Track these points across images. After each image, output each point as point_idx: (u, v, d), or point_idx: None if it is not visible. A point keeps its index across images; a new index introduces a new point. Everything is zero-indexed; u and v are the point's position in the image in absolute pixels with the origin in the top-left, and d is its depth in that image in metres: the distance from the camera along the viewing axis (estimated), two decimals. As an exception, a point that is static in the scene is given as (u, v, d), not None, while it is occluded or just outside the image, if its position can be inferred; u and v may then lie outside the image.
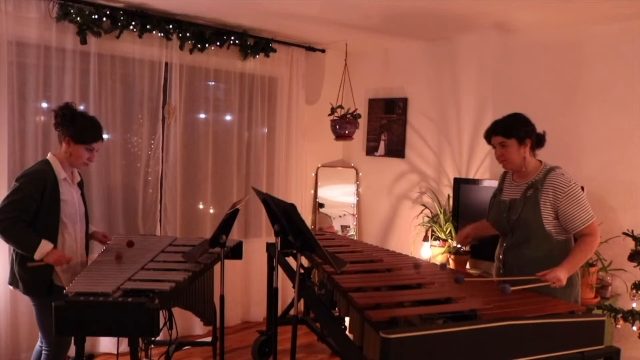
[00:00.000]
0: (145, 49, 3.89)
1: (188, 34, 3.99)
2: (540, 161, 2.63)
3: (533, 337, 1.91)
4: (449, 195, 4.27)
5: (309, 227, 2.53)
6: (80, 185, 2.93)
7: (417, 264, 2.77)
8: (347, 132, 4.58)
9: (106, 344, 3.86)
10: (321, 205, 5.08)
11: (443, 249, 4.15)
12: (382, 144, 4.91)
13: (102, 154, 3.81)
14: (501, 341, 1.86)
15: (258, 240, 4.60)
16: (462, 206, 4.03)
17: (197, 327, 4.31)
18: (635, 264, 2.90)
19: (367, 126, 5.03)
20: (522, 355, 1.90)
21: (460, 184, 4.06)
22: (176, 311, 2.97)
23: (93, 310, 2.20)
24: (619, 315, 2.90)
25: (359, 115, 4.61)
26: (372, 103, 4.99)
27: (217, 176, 4.42)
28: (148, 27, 3.78)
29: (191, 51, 4.07)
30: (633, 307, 2.95)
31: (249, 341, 4.01)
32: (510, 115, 2.61)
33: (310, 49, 4.83)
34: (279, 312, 4.07)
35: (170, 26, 3.90)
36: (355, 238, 4.94)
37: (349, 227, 5.08)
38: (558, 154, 3.70)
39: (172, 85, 4.06)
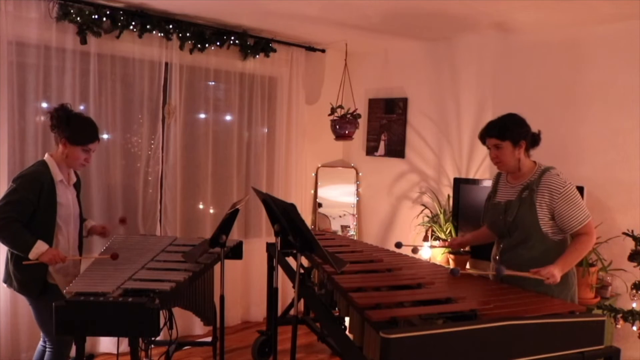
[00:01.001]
0: (145, 49, 3.89)
1: (188, 34, 3.99)
2: (535, 162, 2.62)
3: (533, 337, 1.91)
4: (449, 195, 4.27)
5: (309, 227, 2.53)
6: (77, 186, 2.93)
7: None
8: (347, 132, 4.58)
9: (106, 344, 3.86)
10: (319, 205, 5.08)
11: (443, 249, 4.15)
12: (382, 144, 4.91)
13: (102, 154, 3.82)
14: (501, 341, 1.86)
15: (258, 240, 4.60)
16: (462, 206, 4.04)
17: (197, 327, 4.31)
18: (635, 264, 2.90)
19: (367, 126, 5.03)
20: (522, 355, 1.90)
21: (460, 184, 4.06)
22: (176, 311, 2.97)
23: (93, 310, 2.20)
24: (619, 315, 2.90)
25: (359, 115, 4.61)
26: (372, 103, 4.99)
27: (217, 176, 4.42)
28: (148, 27, 3.79)
29: (191, 51, 4.07)
30: (633, 307, 2.95)
31: (249, 341, 4.01)
32: (504, 116, 2.59)
33: (310, 49, 4.83)
34: (279, 312, 4.07)
35: (170, 26, 3.90)
36: (355, 238, 4.94)
37: (349, 227, 5.08)
38: (558, 154, 3.70)
39: (172, 85, 4.06)
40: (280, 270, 3.26)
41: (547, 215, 2.49)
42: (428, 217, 4.37)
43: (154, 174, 4.07)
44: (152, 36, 3.87)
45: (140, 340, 2.89)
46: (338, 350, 3.54)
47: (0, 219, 2.52)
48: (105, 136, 3.84)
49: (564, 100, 3.69)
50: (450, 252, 4.08)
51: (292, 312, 3.56)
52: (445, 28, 4.00)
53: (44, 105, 3.54)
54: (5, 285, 2.75)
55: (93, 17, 3.55)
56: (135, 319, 2.21)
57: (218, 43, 4.17)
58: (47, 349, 2.72)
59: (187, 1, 3.55)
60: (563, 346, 1.97)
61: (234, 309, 4.54)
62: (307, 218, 5.08)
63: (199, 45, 4.08)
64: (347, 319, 2.34)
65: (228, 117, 4.51)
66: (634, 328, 2.89)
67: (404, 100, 4.70)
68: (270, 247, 3.76)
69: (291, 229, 2.44)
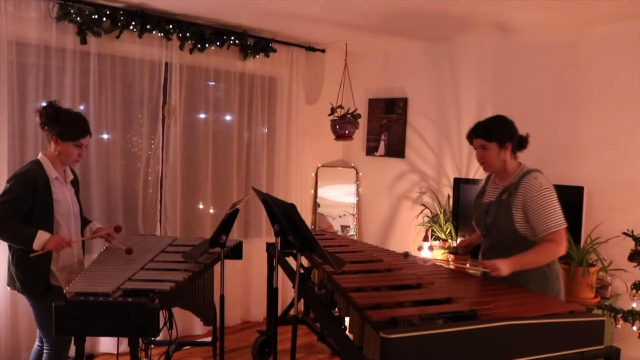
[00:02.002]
0: (145, 49, 3.89)
1: (188, 34, 3.99)
2: (520, 164, 2.63)
3: (533, 337, 1.91)
4: (449, 195, 4.27)
5: (309, 227, 2.53)
6: (75, 184, 2.92)
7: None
8: (347, 132, 4.58)
9: (106, 344, 3.86)
10: (317, 205, 5.08)
11: (443, 250, 4.15)
12: (382, 144, 4.91)
13: (102, 154, 3.82)
14: (501, 341, 1.86)
15: (258, 240, 4.60)
16: (462, 206, 4.04)
17: (197, 327, 4.31)
18: (635, 264, 2.90)
19: (367, 126, 5.03)
20: (522, 355, 1.89)
21: (460, 184, 4.06)
22: (176, 311, 2.97)
23: (93, 310, 2.20)
24: (619, 315, 2.90)
25: (359, 115, 4.61)
26: (372, 103, 4.99)
27: (217, 176, 4.42)
28: (148, 27, 3.79)
29: (191, 51, 4.07)
30: (633, 307, 2.95)
31: (249, 341, 4.01)
32: (492, 118, 2.62)
33: (310, 49, 4.83)
34: (279, 312, 4.07)
35: (170, 26, 3.90)
36: (355, 238, 4.94)
37: (349, 227, 5.08)
38: (558, 154, 3.71)
39: (172, 85, 4.06)
40: (280, 270, 3.26)
41: (523, 218, 2.49)
42: (428, 217, 4.37)
43: (154, 174, 4.07)
44: (152, 36, 3.87)
45: (140, 340, 2.89)
46: (338, 350, 3.54)
47: None
48: (105, 136, 3.84)
49: (564, 100, 3.69)
50: (450, 252, 4.08)
51: (292, 312, 3.56)
52: (445, 28, 4.00)
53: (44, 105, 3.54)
54: (9, 288, 2.74)
55: (93, 17, 3.55)
56: (135, 319, 2.21)
57: (218, 43, 4.17)
58: (45, 350, 2.72)
59: (187, 1, 3.55)
60: (563, 346, 1.97)
61: (234, 309, 4.54)
62: (307, 218, 5.08)
63: (199, 45, 4.08)
64: (347, 319, 2.34)
65: (228, 117, 4.51)
66: (634, 328, 2.89)
67: (404, 100, 4.70)
68: (270, 247, 3.76)
69: (291, 229, 2.44)
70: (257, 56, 4.42)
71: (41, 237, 2.53)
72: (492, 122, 2.59)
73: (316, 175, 5.12)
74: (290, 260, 3.30)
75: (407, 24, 3.94)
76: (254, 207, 4.64)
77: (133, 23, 3.72)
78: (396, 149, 4.78)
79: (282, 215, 2.47)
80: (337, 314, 2.71)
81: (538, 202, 2.43)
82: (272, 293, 2.89)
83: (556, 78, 3.73)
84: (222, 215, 2.94)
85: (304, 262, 2.97)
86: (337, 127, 4.58)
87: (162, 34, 3.89)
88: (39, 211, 2.62)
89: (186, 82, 4.15)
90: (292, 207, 2.28)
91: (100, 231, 3.01)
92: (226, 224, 2.78)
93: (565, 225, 2.45)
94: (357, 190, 5.16)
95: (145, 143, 4.03)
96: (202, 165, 4.31)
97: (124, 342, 3.29)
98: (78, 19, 3.50)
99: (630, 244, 2.96)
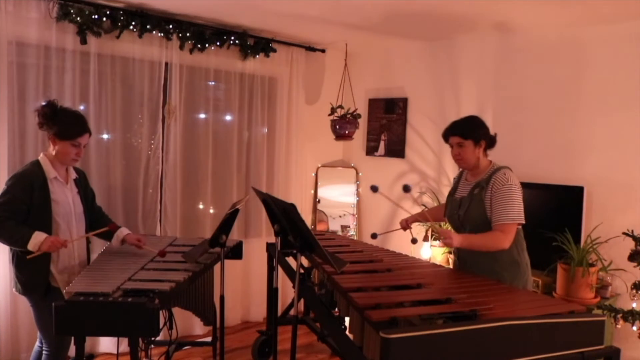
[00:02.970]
0: (145, 49, 3.89)
1: (188, 34, 3.99)
2: (490, 161, 2.78)
3: (533, 337, 1.91)
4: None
5: (309, 227, 2.53)
6: (79, 183, 2.88)
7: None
8: (347, 132, 4.58)
9: (106, 344, 3.86)
10: (317, 202, 5.09)
11: (443, 249, 4.15)
12: (382, 144, 4.91)
13: (102, 154, 3.82)
14: (501, 341, 1.86)
15: (258, 240, 4.60)
16: (462, 206, 4.03)
17: (197, 327, 4.31)
18: (635, 264, 2.90)
19: (367, 126, 5.03)
20: (522, 355, 1.89)
21: (460, 184, 4.06)
22: (176, 311, 2.97)
23: (93, 310, 2.20)
24: (619, 315, 2.90)
25: (359, 115, 4.61)
26: (372, 103, 4.99)
27: (217, 176, 4.42)
28: (148, 27, 3.79)
29: (191, 51, 4.07)
30: (633, 307, 2.95)
31: (249, 341, 4.01)
32: (467, 117, 2.80)
33: (310, 49, 4.83)
34: (279, 312, 4.08)
35: (170, 26, 3.90)
36: (355, 238, 4.94)
37: (349, 227, 5.08)
38: (558, 153, 3.71)
39: (172, 85, 4.06)
40: (280, 270, 3.26)
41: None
42: (428, 217, 4.37)
43: (154, 174, 4.07)
44: (152, 36, 3.87)
45: (140, 340, 2.89)
46: (338, 350, 3.54)
47: None
48: (105, 136, 3.85)
49: (563, 100, 3.69)
50: (450, 252, 4.08)
51: (292, 312, 3.56)
52: (445, 28, 4.00)
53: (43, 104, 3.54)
54: (14, 290, 2.74)
55: (93, 17, 3.55)
56: (135, 319, 2.21)
57: (218, 43, 4.17)
58: (44, 351, 2.71)
59: (187, 1, 3.55)
60: (563, 346, 1.97)
61: (234, 309, 4.54)
62: (307, 218, 5.08)
63: (199, 45, 4.08)
64: (347, 319, 2.34)
65: (228, 117, 4.51)
66: (634, 328, 2.89)
67: (404, 100, 4.70)
68: (270, 247, 3.76)
69: (291, 229, 2.44)
70: (257, 56, 4.42)
71: (37, 238, 2.51)
72: (468, 122, 2.76)
73: (316, 175, 5.12)
74: (290, 260, 3.30)
75: (407, 24, 3.94)
76: (254, 207, 4.64)
77: (133, 23, 3.72)
78: (396, 149, 4.78)
79: (282, 215, 2.47)
80: (337, 314, 2.71)
81: (501, 194, 2.58)
82: (272, 293, 2.89)
83: (556, 78, 3.73)
84: (222, 215, 2.93)
85: (304, 262, 2.97)
86: (337, 127, 4.58)
87: (162, 34, 3.89)
88: (36, 212, 2.60)
89: (186, 82, 4.15)
90: (292, 207, 2.28)
91: (129, 239, 2.93)
92: (226, 224, 2.78)
93: (518, 222, 2.58)
94: (357, 190, 5.16)
95: (145, 143, 4.03)
96: (202, 165, 4.31)
97: (124, 342, 3.29)
98: (78, 19, 3.50)
99: (630, 244, 2.96)
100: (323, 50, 4.96)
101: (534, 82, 3.84)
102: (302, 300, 4.04)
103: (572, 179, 3.58)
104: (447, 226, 3.14)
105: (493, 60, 4.06)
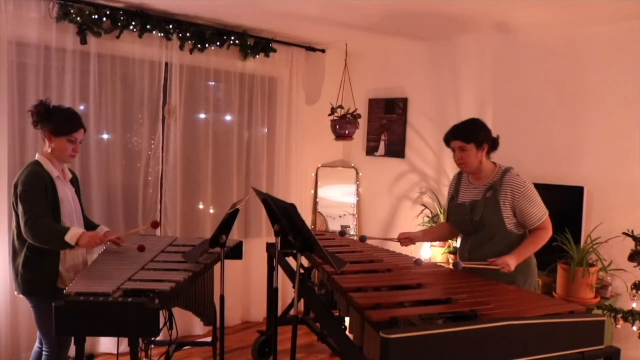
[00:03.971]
0: (145, 49, 3.89)
1: (188, 34, 3.99)
2: (495, 163, 2.78)
3: (533, 337, 1.91)
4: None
5: (309, 227, 2.53)
6: (74, 182, 2.90)
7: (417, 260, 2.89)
8: (347, 132, 4.58)
9: (106, 344, 3.86)
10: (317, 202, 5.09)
11: (443, 249, 4.15)
12: (382, 144, 4.91)
13: (102, 154, 3.82)
14: (501, 341, 1.86)
15: (258, 240, 4.60)
16: (462, 206, 4.03)
17: (197, 327, 4.31)
18: (635, 264, 2.90)
19: (367, 126, 5.03)
20: (522, 355, 1.89)
21: (460, 184, 4.05)
22: (176, 311, 2.97)
23: (93, 310, 2.20)
24: (619, 315, 2.90)
25: (359, 115, 4.61)
26: (372, 103, 4.99)
27: (217, 176, 4.42)
28: (148, 27, 3.79)
29: (191, 51, 4.07)
30: (633, 307, 2.95)
31: (249, 341, 4.01)
32: (469, 121, 2.78)
33: (310, 49, 4.83)
34: (279, 312, 4.07)
35: (170, 26, 3.90)
36: (355, 238, 4.93)
37: (349, 227, 5.08)
38: (558, 154, 3.71)
39: (172, 85, 4.06)
40: (280, 270, 3.26)
41: (510, 213, 2.66)
42: (428, 217, 4.37)
43: (154, 174, 4.07)
44: (152, 36, 3.87)
45: (140, 340, 2.89)
46: (338, 350, 3.54)
47: (26, 222, 2.50)
48: (105, 136, 3.84)
49: (564, 100, 3.69)
50: (450, 252, 4.08)
51: (292, 312, 3.56)
52: (445, 28, 4.00)
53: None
54: (15, 293, 2.73)
55: (93, 17, 3.55)
56: (135, 319, 2.21)
57: (218, 43, 4.17)
58: (44, 352, 2.71)
59: (187, 1, 3.55)
60: (563, 346, 1.97)
61: (234, 309, 4.55)
62: (307, 218, 5.08)
63: (199, 45, 4.08)
64: (347, 319, 2.34)
65: (228, 117, 4.51)
66: (634, 328, 2.89)
67: (404, 100, 4.70)
68: (270, 247, 3.76)
69: (291, 229, 2.44)
70: (257, 56, 4.42)
71: (74, 231, 2.52)
72: (470, 125, 2.75)
73: (316, 175, 5.12)
74: (290, 260, 3.30)
75: (407, 24, 3.94)
76: (254, 207, 4.64)
77: (133, 23, 3.72)
78: (396, 149, 4.78)
79: (282, 215, 2.47)
80: (337, 314, 2.71)
81: (526, 196, 2.63)
82: (272, 293, 2.89)
83: (556, 78, 3.73)
84: (222, 215, 2.93)
85: (304, 262, 2.97)
86: (337, 127, 4.58)
87: (162, 34, 3.89)
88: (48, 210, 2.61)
89: (186, 82, 4.15)
90: (292, 207, 2.28)
91: (110, 235, 2.97)
92: (226, 224, 2.78)
93: (548, 212, 2.69)
94: (357, 190, 5.16)
95: (145, 143, 4.03)
96: (202, 165, 4.31)
97: (124, 342, 3.29)
98: (78, 19, 3.50)
99: (630, 244, 2.96)
100: (323, 50, 4.96)
101: (534, 82, 3.84)
102: (302, 300, 4.04)
103: (572, 179, 3.58)
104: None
105: (493, 60, 4.06)
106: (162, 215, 4.11)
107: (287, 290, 4.49)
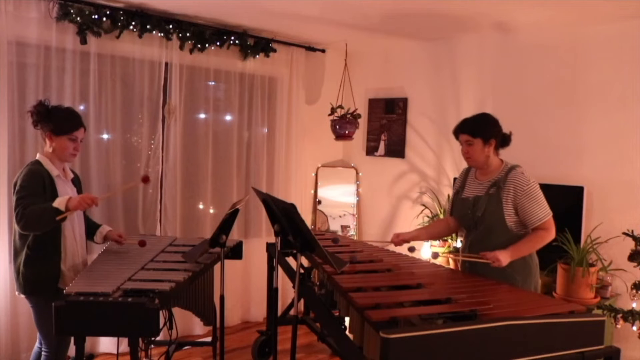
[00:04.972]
0: (145, 49, 3.89)
1: (188, 34, 3.99)
2: (502, 160, 2.77)
3: (533, 337, 1.91)
4: (449, 195, 4.27)
5: (309, 227, 2.53)
6: (76, 182, 2.91)
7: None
8: (347, 132, 4.58)
9: (106, 344, 3.86)
10: (319, 202, 5.09)
11: (443, 249, 4.15)
12: (382, 144, 4.91)
13: (102, 154, 3.82)
14: (501, 341, 1.86)
15: (258, 240, 4.60)
16: (462, 206, 4.03)
17: (197, 327, 4.31)
18: (635, 264, 2.89)
19: (367, 126, 5.03)
20: (522, 355, 1.89)
21: (460, 184, 4.05)
22: (176, 311, 2.97)
23: (93, 310, 2.20)
24: (619, 315, 2.90)
25: (359, 115, 4.61)
26: (372, 103, 4.99)
27: (217, 176, 4.42)
28: (148, 27, 3.79)
29: (191, 51, 4.07)
30: (633, 307, 2.94)
31: (249, 341, 4.01)
32: (479, 115, 2.77)
33: (310, 49, 4.83)
34: (279, 312, 4.07)
35: (170, 26, 3.90)
36: (355, 238, 4.94)
37: (349, 227, 5.08)
38: (558, 154, 3.71)
39: (172, 85, 4.06)
40: (280, 270, 3.26)
41: (512, 211, 2.64)
42: (428, 217, 4.37)
43: (154, 174, 4.07)
44: (152, 36, 3.87)
45: (140, 340, 2.89)
46: (338, 350, 3.54)
47: (16, 215, 2.51)
48: (105, 136, 3.84)
49: (564, 100, 3.69)
50: (450, 252, 4.08)
51: (292, 312, 3.56)
52: (445, 28, 4.00)
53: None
54: (17, 293, 2.73)
55: (93, 17, 3.55)
56: (135, 319, 2.21)
57: (218, 43, 4.17)
58: (43, 352, 2.71)
59: (187, 1, 3.55)
60: (563, 346, 1.97)
61: (234, 309, 4.55)
62: (307, 218, 5.08)
63: (199, 45, 4.08)
64: (347, 319, 2.34)
65: (228, 117, 4.51)
66: (634, 328, 2.89)
67: (404, 100, 4.70)
68: (270, 247, 3.75)
69: (291, 229, 2.44)
70: (257, 56, 4.42)
71: (59, 199, 2.51)
72: (478, 119, 2.73)
73: (316, 175, 5.12)
74: (290, 260, 3.30)
75: (407, 24, 3.94)
76: (254, 207, 4.64)
77: (133, 23, 3.72)
78: (396, 149, 4.78)
79: (282, 215, 2.47)
80: (337, 314, 2.71)
81: (529, 195, 2.60)
82: (272, 293, 2.89)
83: (556, 78, 3.73)
84: (222, 215, 2.93)
85: (304, 262, 2.97)
86: (337, 127, 4.58)
87: (162, 34, 3.89)
88: None
89: (186, 82, 4.15)
90: (292, 207, 2.28)
91: (111, 235, 3.00)
92: (226, 224, 2.78)
93: (551, 214, 2.64)
94: (357, 190, 5.16)
95: (145, 143, 4.03)
96: (202, 165, 4.31)
97: (124, 342, 3.29)
98: (78, 19, 3.50)
99: (630, 244, 2.95)
100: (323, 50, 4.96)
101: (534, 82, 3.84)
102: (302, 300, 4.03)
103: (572, 179, 3.58)
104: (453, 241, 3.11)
105: (493, 60, 4.06)
106: (162, 215, 4.11)
107: (287, 290, 4.49)
